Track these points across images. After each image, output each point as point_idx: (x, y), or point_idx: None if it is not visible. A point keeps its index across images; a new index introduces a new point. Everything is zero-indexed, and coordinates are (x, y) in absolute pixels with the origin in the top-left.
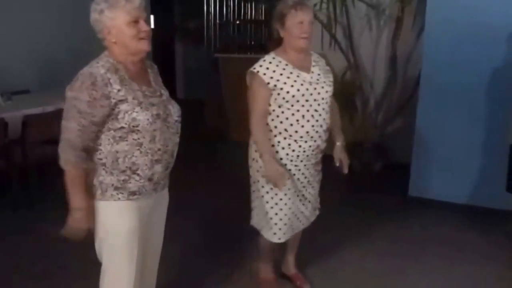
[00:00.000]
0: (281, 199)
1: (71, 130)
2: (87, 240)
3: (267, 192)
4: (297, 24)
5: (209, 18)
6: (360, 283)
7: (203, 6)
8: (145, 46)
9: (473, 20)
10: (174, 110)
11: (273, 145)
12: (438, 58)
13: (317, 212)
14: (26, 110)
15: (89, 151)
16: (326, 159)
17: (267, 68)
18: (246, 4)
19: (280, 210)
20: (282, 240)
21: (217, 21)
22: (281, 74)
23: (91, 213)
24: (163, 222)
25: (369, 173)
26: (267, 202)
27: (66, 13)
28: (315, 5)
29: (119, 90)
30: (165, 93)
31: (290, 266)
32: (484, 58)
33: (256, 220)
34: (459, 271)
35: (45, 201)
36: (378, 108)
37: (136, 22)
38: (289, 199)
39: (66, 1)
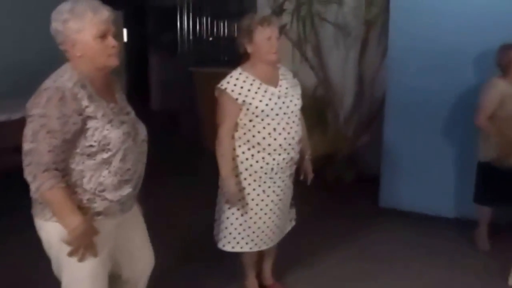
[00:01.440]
0: (249, 211)
1: (41, 153)
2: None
3: (239, 201)
4: (266, 40)
5: (182, 33)
6: None
7: (177, 21)
8: (113, 62)
9: (434, 44)
10: (142, 130)
11: (247, 159)
12: (402, 79)
13: (293, 223)
14: None
15: (61, 171)
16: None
17: (235, 85)
18: (219, 22)
19: (235, 218)
20: (226, 249)
21: (191, 37)
22: (249, 90)
23: (91, 224)
24: (144, 237)
25: (340, 185)
26: (233, 214)
27: (33, 17)
28: (285, 25)
29: (87, 106)
30: (132, 111)
31: (267, 276)
32: (446, 79)
33: (216, 232)
34: (428, 277)
35: (12, 215)
36: (348, 122)
37: (104, 36)
38: (255, 213)
39: (33, 5)
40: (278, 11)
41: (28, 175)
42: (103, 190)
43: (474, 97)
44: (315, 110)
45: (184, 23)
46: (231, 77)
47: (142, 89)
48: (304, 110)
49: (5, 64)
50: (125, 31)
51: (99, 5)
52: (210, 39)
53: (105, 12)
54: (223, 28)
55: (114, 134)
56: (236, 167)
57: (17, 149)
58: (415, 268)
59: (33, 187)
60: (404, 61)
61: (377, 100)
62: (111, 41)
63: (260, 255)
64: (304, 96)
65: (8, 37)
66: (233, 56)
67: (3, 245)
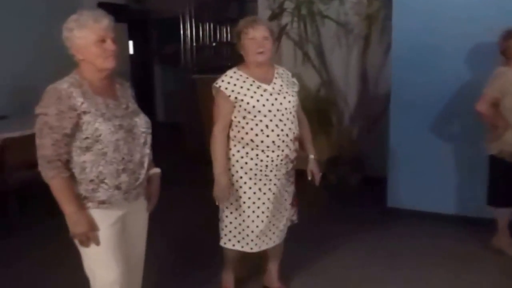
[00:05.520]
0: (243, 208)
1: (45, 147)
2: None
3: (236, 201)
4: (250, 40)
5: (186, 41)
6: None
7: (180, 30)
8: (110, 64)
9: (438, 38)
10: (141, 122)
11: (241, 157)
12: (406, 76)
13: (295, 221)
14: (4, 134)
15: (65, 163)
16: (302, 173)
17: (228, 83)
18: (222, 28)
19: (234, 218)
20: (227, 246)
21: (194, 44)
22: (241, 87)
23: (86, 215)
24: (143, 236)
25: (346, 187)
26: (231, 213)
27: (43, 38)
28: (286, 24)
29: (82, 103)
30: (133, 106)
31: (273, 278)
32: (451, 74)
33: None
34: (438, 278)
35: (25, 228)
36: (353, 123)
37: (103, 41)
38: (252, 211)
39: (43, 27)
40: (279, 11)
41: (39, 167)
42: (104, 178)
43: (480, 92)
44: (319, 111)
45: (187, 31)
46: (225, 75)
47: (147, 101)
48: (308, 111)
49: (16, 86)
50: (130, 43)
51: (101, 15)
52: (214, 44)
53: (105, 20)
54: (226, 33)
55: (104, 126)
56: (232, 166)
57: (31, 165)
58: (424, 270)
59: (43, 176)
60: (408, 57)
61: (381, 100)
62: (109, 45)
63: (264, 257)
64: (307, 97)
65: (19, 61)
66: (236, 61)
67: (19, 261)
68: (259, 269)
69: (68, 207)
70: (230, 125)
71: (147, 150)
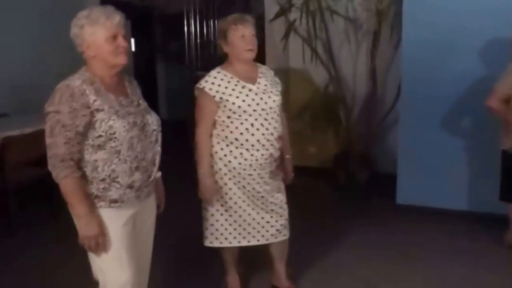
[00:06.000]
0: (224, 204)
1: (58, 145)
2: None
3: (222, 197)
4: (240, 38)
5: (190, 38)
6: None
7: (184, 26)
8: (122, 60)
9: (447, 35)
10: (153, 120)
11: (225, 155)
12: (416, 72)
13: (283, 222)
14: (4, 133)
15: (77, 162)
16: (303, 171)
17: (212, 83)
18: None
19: (220, 214)
20: (214, 245)
21: (198, 40)
22: (226, 87)
23: (97, 218)
24: (151, 235)
25: (355, 184)
26: (217, 210)
27: (46, 36)
28: (295, 20)
29: (95, 100)
30: (143, 103)
31: (281, 278)
32: (460, 69)
33: (203, 230)
34: (452, 275)
35: (27, 227)
36: (361, 119)
37: (114, 38)
38: (239, 207)
39: (46, 25)
40: (287, 6)
41: (49, 167)
42: (117, 177)
43: (492, 88)
44: (327, 108)
45: (191, 27)
46: (209, 76)
47: (150, 98)
48: (316, 108)
49: (18, 84)
50: (132, 40)
51: (112, 11)
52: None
53: (117, 17)
54: None
55: (118, 124)
56: (216, 163)
57: (30, 163)
58: (437, 267)
59: (54, 176)
60: (419, 52)
61: (390, 96)
62: (120, 41)
63: (270, 257)
64: (316, 94)
65: (22, 59)
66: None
67: (20, 260)
68: (267, 269)
69: (79, 209)
70: (213, 124)
71: (159, 148)
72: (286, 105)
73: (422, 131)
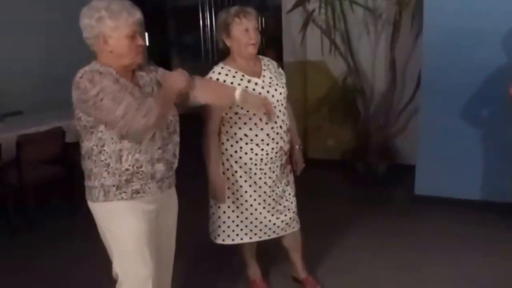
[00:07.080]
0: (236, 201)
1: (130, 104)
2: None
3: (233, 194)
4: (243, 32)
5: (205, 31)
6: (373, 280)
7: (199, 20)
8: (138, 59)
9: (470, 22)
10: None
11: (236, 152)
12: (437, 61)
13: (292, 215)
14: (19, 131)
15: None
16: (323, 163)
17: (217, 79)
18: None
19: (231, 211)
20: (226, 243)
21: (213, 33)
22: (231, 82)
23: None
24: (174, 231)
25: (374, 175)
26: (229, 207)
27: (61, 35)
28: (313, 10)
29: (117, 80)
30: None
31: (299, 270)
32: (482, 58)
33: (212, 228)
34: (471, 264)
35: (44, 223)
36: (380, 110)
37: (133, 36)
38: (250, 205)
39: (61, 23)
40: None
41: (133, 121)
42: (141, 166)
43: None
44: (346, 99)
45: (207, 20)
46: (213, 72)
47: None
48: (335, 100)
49: (32, 82)
50: (146, 35)
51: (132, 6)
52: None
53: (138, 14)
54: None
55: None
56: (227, 160)
57: (47, 161)
58: (455, 257)
59: (144, 124)
60: (440, 41)
61: (409, 87)
62: (138, 39)
63: (285, 250)
64: (334, 85)
65: (36, 57)
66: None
67: (40, 256)
68: (286, 261)
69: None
70: (221, 121)
71: (177, 138)
72: (304, 98)
73: (441, 121)
